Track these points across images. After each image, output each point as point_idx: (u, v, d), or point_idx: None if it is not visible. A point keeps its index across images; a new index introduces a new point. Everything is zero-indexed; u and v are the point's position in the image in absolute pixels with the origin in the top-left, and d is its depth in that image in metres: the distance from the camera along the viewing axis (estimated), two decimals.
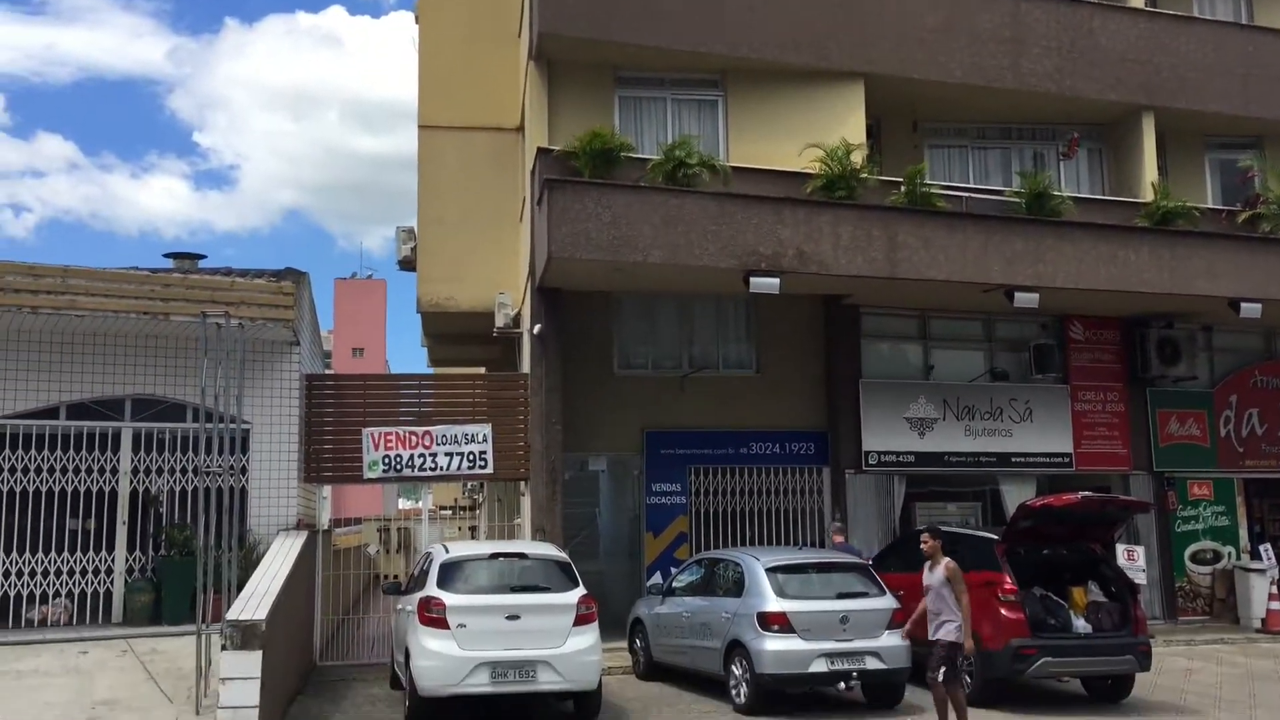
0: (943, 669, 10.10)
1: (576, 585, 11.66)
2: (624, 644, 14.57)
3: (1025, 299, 16.38)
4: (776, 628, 11.56)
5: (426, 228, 19.04)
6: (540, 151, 15.84)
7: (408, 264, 20.24)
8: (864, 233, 15.82)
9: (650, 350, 17.95)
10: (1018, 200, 17.36)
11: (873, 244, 15.80)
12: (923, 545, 10.70)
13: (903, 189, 16.65)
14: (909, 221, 16.13)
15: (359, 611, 18.55)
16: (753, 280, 15.24)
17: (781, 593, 11.87)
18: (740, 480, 17.52)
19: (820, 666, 11.52)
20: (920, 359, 18.59)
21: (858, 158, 16.43)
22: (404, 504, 56.22)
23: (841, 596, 12.10)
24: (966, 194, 17.64)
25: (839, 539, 15.35)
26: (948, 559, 10.50)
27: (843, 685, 11.59)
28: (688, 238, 15.10)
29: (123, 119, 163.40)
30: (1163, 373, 18.70)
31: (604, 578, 17.08)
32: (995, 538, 12.93)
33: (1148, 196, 18.43)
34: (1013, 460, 18.31)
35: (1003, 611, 11.95)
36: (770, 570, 12.13)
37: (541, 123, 16.40)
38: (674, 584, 14.01)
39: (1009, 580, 12.12)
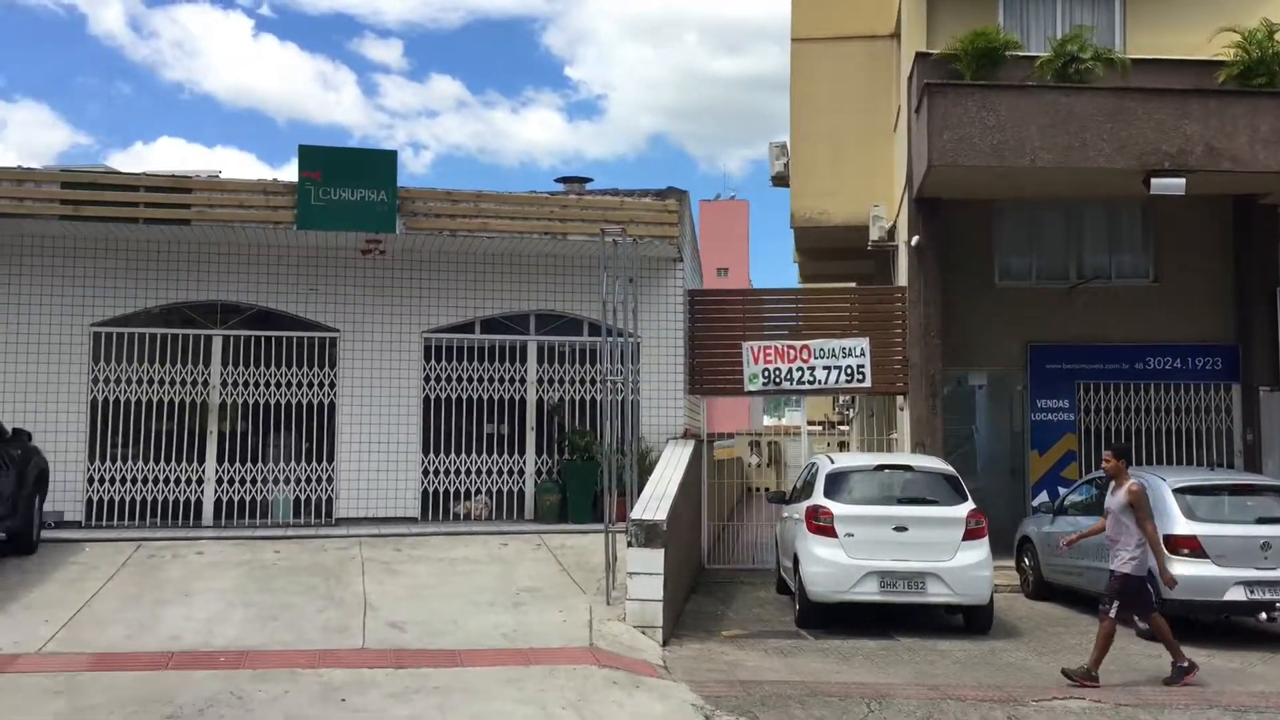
0: (1115, 603, 9.12)
1: (965, 499, 11.51)
2: (1010, 562, 14.22)
3: None
4: (1186, 551, 10.84)
5: (799, 143, 19.05)
6: (918, 56, 15.34)
7: (780, 180, 20.37)
8: None
9: (1034, 260, 17.18)
10: None
11: None
12: (1104, 465, 9.69)
13: None
14: None
15: (736, 519, 19.27)
16: (1154, 182, 14.11)
17: (1191, 515, 11.10)
18: (1135, 397, 16.54)
19: (1238, 595, 10.71)
20: None
21: None
22: (767, 420, 57.35)
23: (1262, 521, 11.15)
24: None
25: None
26: (1133, 480, 9.39)
27: (1264, 616, 10.73)
28: (1080, 138, 14.19)
29: (504, 57, 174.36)
30: None
31: (983, 495, 16.60)
32: None
33: None
34: None
35: None
36: (1178, 491, 11.37)
37: (920, 26, 15.90)
38: (1065, 503, 13.46)
39: None
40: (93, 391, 14.22)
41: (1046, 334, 16.68)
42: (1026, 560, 13.94)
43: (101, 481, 14.15)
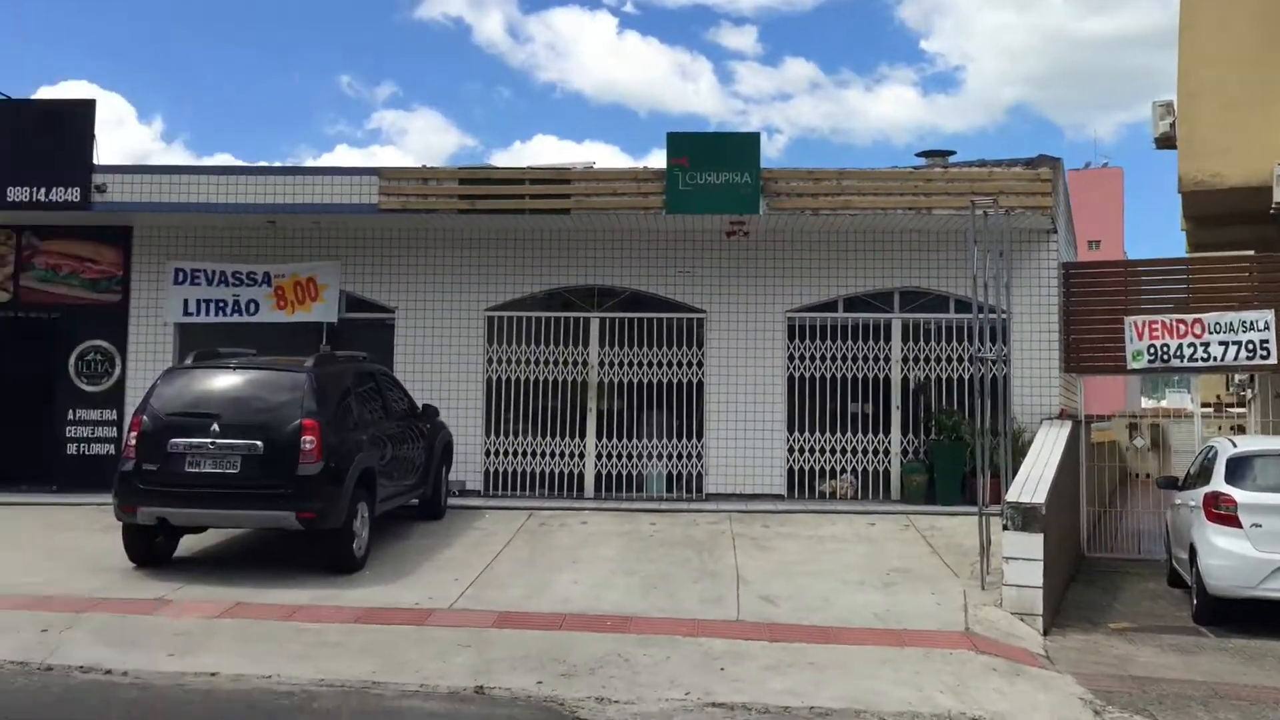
0: None
1: None
2: None
3: None
4: None
5: (1187, 99, 17.46)
6: None
7: (1165, 141, 18.77)
8: None
9: None
10: None
11: None
12: None
13: None
14: None
15: (1115, 505, 18.06)
16: None
17: None
18: None
19: None
20: None
21: None
22: (1146, 403, 53.23)
23: None
24: None
25: None
26: None
27: None
28: None
29: (857, 35, 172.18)
30: None
31: None
32: None
33: None
34: None
35: None
36: None
37: None
38: None
39: None
40: (487, 371, 15.50)
41: None
42: None
43: (496, 454, 15.40)
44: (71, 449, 15.49)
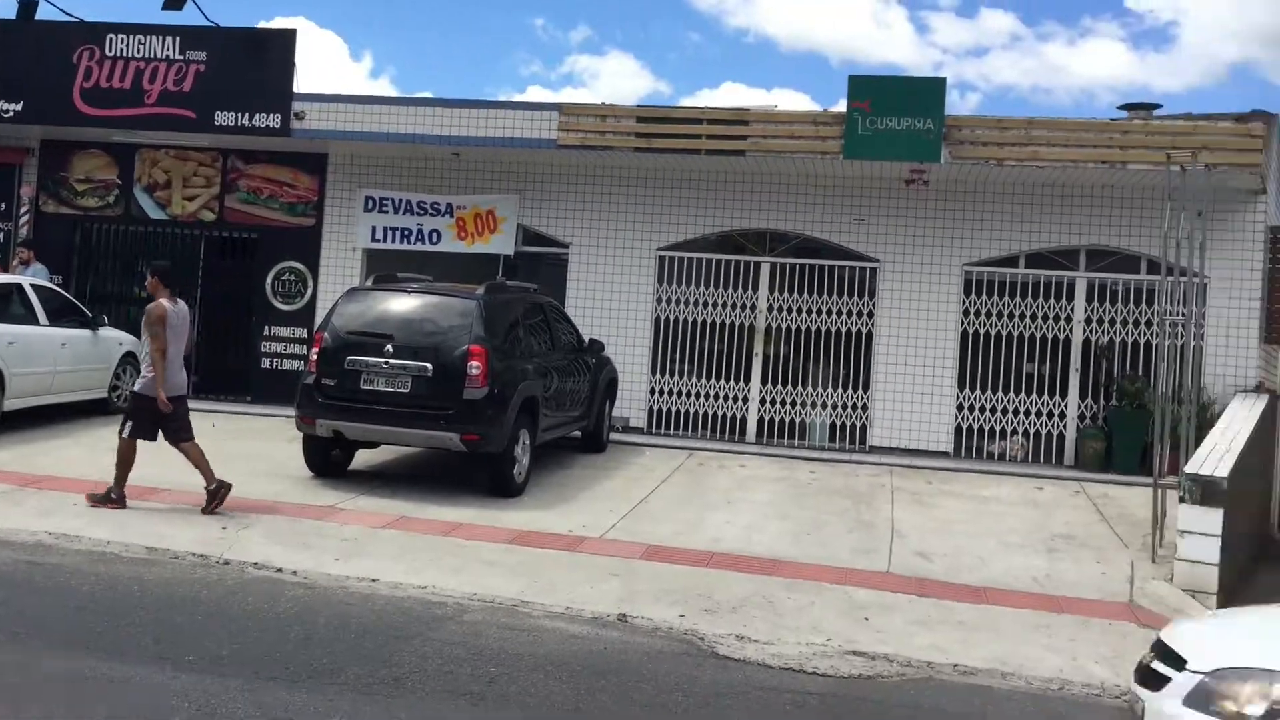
0: None
1: None
2: None
3: None
4: None
5: None
6: None
7: None
8: None
9: None
10: None
11: None
12: None
13: None
14: None
15: None
16: None
17: None
18: None
19: None
20: None
21: None
22: None
23: None
24: None
25: None
26: None
27: None
28: None
29: None
30: None
31: None
32: None
33: None
34: None
35: None
36: None
37: None
38: None
39: None
40: (655, 310, 15.61)
41: None
42: None
43: (661, 393, 15.54)
44: (265, 363, 16.42)
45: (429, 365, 10.62)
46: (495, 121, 14.88)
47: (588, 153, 14.99)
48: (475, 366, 10.58)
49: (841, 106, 13.99)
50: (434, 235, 16.06)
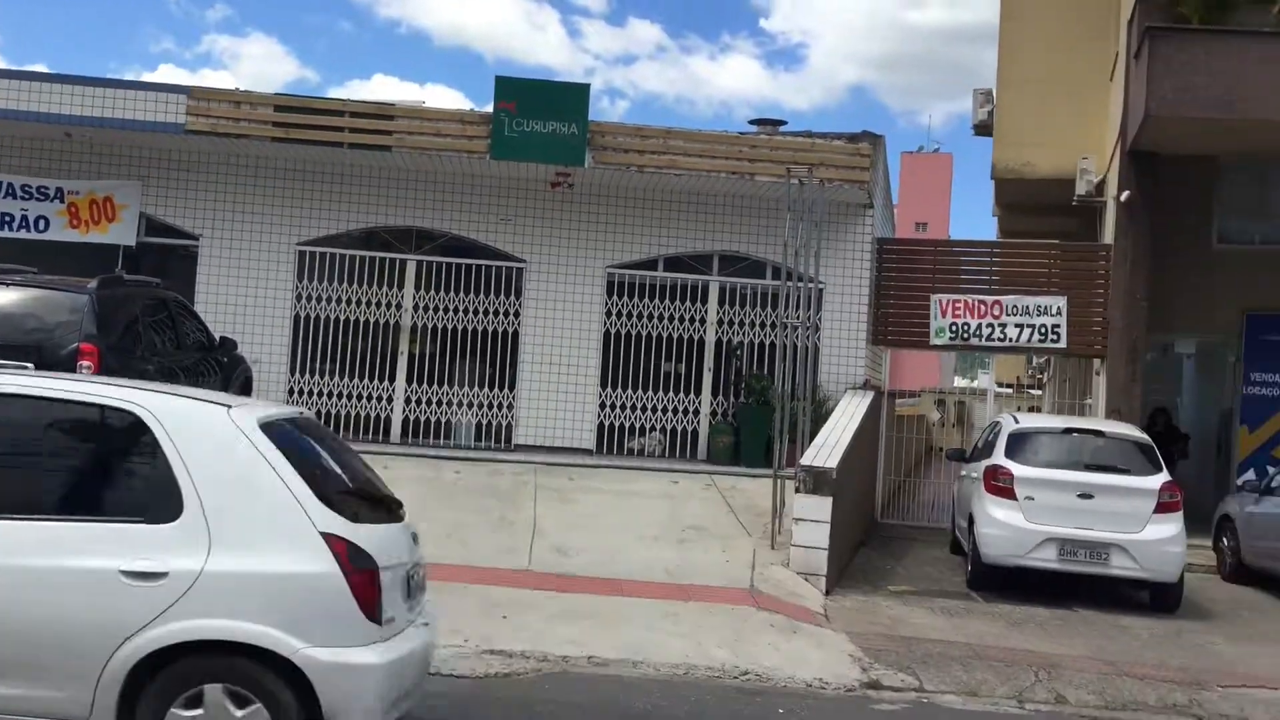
0: None
1: (1160, 470, 10.90)
2: (1206, 541, 13.40)
3: None
4: None
5: (1005, 89, 18.15)
6: None
7: (983, 128, 19.50)
8: None
9: (1259, 224, 15.97)
10: None
11: None
12: None
13: None
14: None
15: (916, 477, 18.81)
16: None
17: None
18: None
19: None
20: None
21: None
22: (959, 381, 55.67)
23: None
24: None
25: None
26: None
27: None
28: None
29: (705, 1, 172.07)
30: None
31: (1183, 469, 15.72)
32: None
33: None
34: None
35: None
36: None
37: None
38: (1274, 483, 12.55)
39: None
40: (295, 308, 14.96)
41: (1270, 302, 15.48)
42: (1225, 540, 13.08)
43: (300, 394, 14.90)
44: None
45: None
46: (115, 102, 13.76)
47: (220, 140, 14.14)
48: (86, 367, 9.65)
49: (491, 107, 14.01)
50: (41, 222, 14.57)
